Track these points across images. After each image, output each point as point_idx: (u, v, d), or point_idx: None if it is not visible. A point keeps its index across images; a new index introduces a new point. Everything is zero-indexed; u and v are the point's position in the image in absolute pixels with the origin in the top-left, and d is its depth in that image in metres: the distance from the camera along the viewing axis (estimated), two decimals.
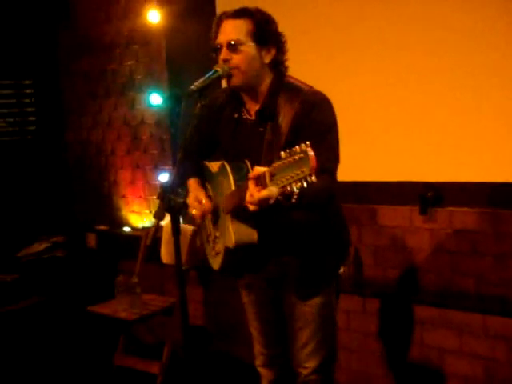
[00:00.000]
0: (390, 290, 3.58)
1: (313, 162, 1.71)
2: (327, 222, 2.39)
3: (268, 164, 1.91)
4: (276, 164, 1.79)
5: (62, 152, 5.62)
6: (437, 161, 3.39)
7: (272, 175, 1.81)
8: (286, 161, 1.76)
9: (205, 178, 2.52)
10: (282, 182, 1.77)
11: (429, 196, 3.40)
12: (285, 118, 2.23)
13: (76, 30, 5.33)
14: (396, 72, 3.50)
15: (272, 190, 1.88)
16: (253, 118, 2.35)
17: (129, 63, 4.95)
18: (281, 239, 2.35)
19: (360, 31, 3.61)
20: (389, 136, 3.57)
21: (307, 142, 1.74)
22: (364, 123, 3.62)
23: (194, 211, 2.43)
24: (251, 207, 1.99)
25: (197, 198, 2.43)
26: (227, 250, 2.32)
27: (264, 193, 1.90)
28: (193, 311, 4.19)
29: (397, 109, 3.52)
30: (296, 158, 1.73)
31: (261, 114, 2.31)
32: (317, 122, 2.20)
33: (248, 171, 2.18)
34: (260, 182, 1.89)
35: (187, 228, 3.84)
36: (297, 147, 1.75)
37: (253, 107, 2.35)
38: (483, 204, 3.27)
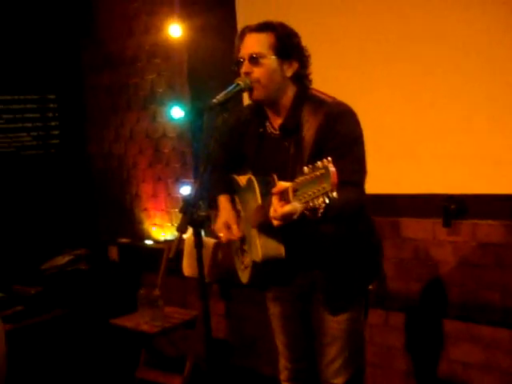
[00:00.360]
0: (414, 303, 3.54)
1: (334, 178, 1.69)
2: (357, 235, 2.36)
3: (293, 178, 1.91)
4: (299, 179, 1.79)
5: (85, 165, 5.67)
6: (460, 173, 3.37)
7: (295, 190, 1.81)
8: (308, 176, 1.76)
9: (234, 191, 2.53)
10: (305, 197, 1.77)
11: (452, 208, 3.36)
12: (309, 131, 2.21)
13: (99, 44, 5.39)
14: (419, 85, 3.49)
15: (295, 206, 1.87)
16: (277, 132, 2.35)
17: (150, 77, 4.99)
18: (309, 253, 2.33)
19: (381, 46, 3.61)
20: (411, 148, 3.55)
21: (329, 158, 1.73)
22: (386, 136, 3.60)
23: (221, 235, 2.43)
24: (275, 222, 1.98)
25: (226, 223, 2.43)
26: (255, 264, 2.33)
27: (287, 208, 1.89)
28: (215, 324, 4.17)
29: (420, 121, 3.50)
30: (317, 173, 1.73)
31: (284, 127, 2.30)
32: (341, 133, 2.18)
33: (275, 185, 2.18)
34: (283, 197, 1.89)
35: (209, 241, 3.84)
36: (319, 162, 1.74)
37: (276, 121, 2.34)
38: (507, 216, 3.22)
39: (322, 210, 1.81)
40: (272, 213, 1.96)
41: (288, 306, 2.55)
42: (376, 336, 3.58)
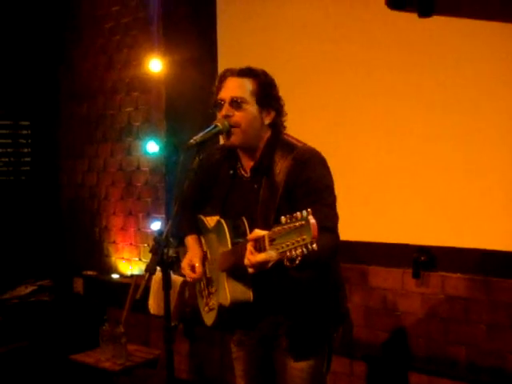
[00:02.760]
0: (379, 353, 3.52)
1: (314, 230, 1.70)
2: (326, 282, 2.34)
3: (264, 222, 1.94)
4: (276, 229, 1.79)
5: (55, 194, 5.60)
6: (431, 225, 3.39)
7: (272, 240, 1.80)
8: (286, 226, 1.75)
9: (200, 232, 2.51)
10: (282, 247, 1.77)
11: (422, 260, 3.37)
12: (279, 176, 2.22)
13: (77, 74, 5.38)
14: (392, 135, 3.53)
15: (271, 255, 1.86)
16: (248, 174, 2.34)
17: (128, 110, 4.98)
18: (277, 298, 2.31)
19: (356, 95, 3.66)
20: (384, 197, 3.57)
21: (309, 210, 1.74)
22: (359, 183, 3.63)
23: (186, 274, 2.42)
24: (250, 270, 1.97)
25: (190, 263, 2.42)
26: (221, 307, 2.30)
27: (262, 256, 1.88)
28: (177, 364, 4.09)
29: (393, 172, 3.54)
30: (297, 224, 1.73)
31: (255, 170, 2.31)
32: (311, 179, 2.19)
33: (245, 230, 2.18)
34: (259, 245, 1.88)
35: (177, 279, 3.78)
36: (298, 213, 1.74)
37: (248, 164, 2.34)
38: (476, 270, 3.24)
39: (300, 258, 1.80)
40: (246, 261, 1.94)
41: (251, 351, 2.51)
42: None
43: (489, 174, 3.19)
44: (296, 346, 2.34)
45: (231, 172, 2.39)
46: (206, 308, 2.46)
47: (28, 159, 5.50)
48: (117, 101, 5.06)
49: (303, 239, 1.71)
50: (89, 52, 5.27)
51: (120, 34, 5.01)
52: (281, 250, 1.77)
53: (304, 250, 1.72)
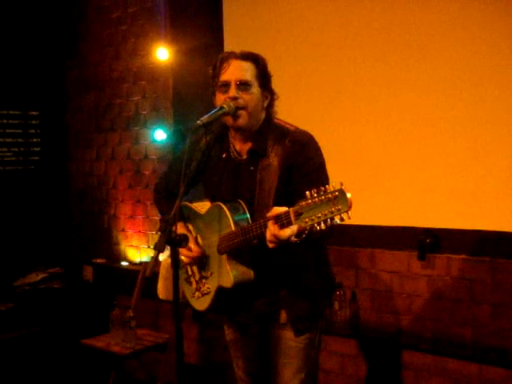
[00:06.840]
0: (387, 335, 3.55)
1: (350, 200, 1.77)
2: (319, 259, 2.43)
3: (262, 203, 2.03)
4: (304, 203, 1.86)
5: (64, 183, 5.65)
6: (436, 207, 3.41)
7: (298, 214, 1.88)
8: (316, 199, 1.83)
9: (185, 219, 2.53)
10: (312, 219, 1.84)
11: (427, 242, 3.40)
12: (276, 158, 2.28)
13: (85, 64, 5.41)
14: (398, 118, 3.55)
15: (294, 229, 1.94)
16: (243, 157, 2.39)
17: (135, 98, 5.01)
18: (275, 274, 2.35)
19: (362, 80, 3.68)
20: (389, 181, 3.60)
21: (340, 182, 1.81)
22: (365, 168, 3.65)
23: (182, 257, 2.43)
24: (271, 245, 2.03)
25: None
26: (220, 290, 2.34)
27: (288, 232, 1.95)
28: (186, 349, 4.14)
29: (398, 155, 3.56)
30: (330, 196, 1.79)
31: (253, 152, 2.35)
32: (309, 160, 2.27)
33: (244, 211, 2.26)
34: (280, 220, 1.95)
35: None
36: (327, 186, 1.83)
37: (243, 146, 2.38)
38: (481, 252, 3.27)
39: (306, 232, 1.90)
40: (270, 237, 2.00)
41: (246, 331, 2.54)
42: (347, 366, 3.58)
43: (493, 156, 3.21)
44: (295, 318, 2.38)
45: (224, 155, 2.42)
46: (197, 293, 2.49)
47: (37, 149, 5.54)
48: (124, 90, 5.09)
49: (338, 209, 1.78)
50: (96, 41, 5.30)
51: (127, 24, 5.03)
52: (310, 223, 1.85)
53: (336, 220, 1.79)
